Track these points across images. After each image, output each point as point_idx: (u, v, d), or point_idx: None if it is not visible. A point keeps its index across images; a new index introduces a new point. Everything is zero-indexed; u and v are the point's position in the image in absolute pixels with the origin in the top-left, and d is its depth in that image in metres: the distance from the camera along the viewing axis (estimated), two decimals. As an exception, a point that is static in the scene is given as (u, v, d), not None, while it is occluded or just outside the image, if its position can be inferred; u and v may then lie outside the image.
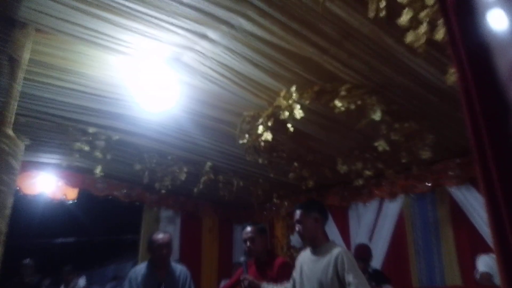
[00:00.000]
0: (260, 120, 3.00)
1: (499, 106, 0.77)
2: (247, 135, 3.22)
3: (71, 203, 4.70)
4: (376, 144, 3.16)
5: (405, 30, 1.91)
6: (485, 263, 3.27)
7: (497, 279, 2.98)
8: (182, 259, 4.56)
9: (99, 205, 5.67)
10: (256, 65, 2.46)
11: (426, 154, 3.28)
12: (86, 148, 3.50)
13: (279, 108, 2.80)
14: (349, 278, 2.20)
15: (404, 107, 2.84)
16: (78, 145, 3.48)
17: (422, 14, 1.81)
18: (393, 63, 2.36)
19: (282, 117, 2.80)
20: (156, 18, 2.07)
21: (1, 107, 1.88)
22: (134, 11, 2.02)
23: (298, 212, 2.53)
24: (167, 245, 3.16)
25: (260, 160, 3.63)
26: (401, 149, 3.36)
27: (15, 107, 1.95)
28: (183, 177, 4.12)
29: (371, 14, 1.85)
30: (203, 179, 4.26)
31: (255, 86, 2.71)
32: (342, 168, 3.81)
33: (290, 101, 2.69)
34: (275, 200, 5.13)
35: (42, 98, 2.89)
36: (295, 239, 5.02)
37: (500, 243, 0.76)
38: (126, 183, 4.65)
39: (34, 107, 3.00)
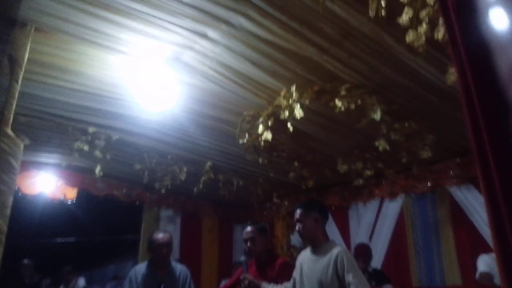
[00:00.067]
0: (260, 120, 3.00)
1: (499, 106, 0.77)
2: (247, 135, 3.22)
3: (71, 203, 4.70)
4: (376, 143, 3.16)
5: (405, 29, 1.91)
6: (485, 263, 3.26)
7: (497, 279, 2.98)
8: (182, 259, 4.56)
9: (99, 205, 5.66)
10: (256, 64, 2.46)
11: (426, 154, 3.29)
12: (86, 148, 3.50)
13: (279, 107, 2.80)
14: (349, 277, 2.21)
15: (404, 107, 2.84)
16: (77, 144, 3.47)
17: (423, 13, 1.81)
18: (393, 62, 2.36)
19: (282, 116, 2.80)
20: (156, 17, 2.07)
21: (1, 107, 1.88)
22: (133, 10, 2.02)
23: (298, 212, 2.54)
24: (167, 244, 3.17)
25: (260, 160, 3.63)
26: (401, 149, 3.37)
27: (15, 106, 1.95)
28: (183, 176, 4.12)
29: (372, 13, 1.85)
30: (203, 178, 4.26)
31: (255, 86, 2.71)
32: (342, 168, 3.81)
33: (290, 101, 2.69)
34: (275, 199, 5.12)
35: (42, 98, 2.89)
36: (295, 239, 5.03)
37: (500, 243, 0.76)
38: (126, 183, 4.66)
39: (34, 106, 3.00)
